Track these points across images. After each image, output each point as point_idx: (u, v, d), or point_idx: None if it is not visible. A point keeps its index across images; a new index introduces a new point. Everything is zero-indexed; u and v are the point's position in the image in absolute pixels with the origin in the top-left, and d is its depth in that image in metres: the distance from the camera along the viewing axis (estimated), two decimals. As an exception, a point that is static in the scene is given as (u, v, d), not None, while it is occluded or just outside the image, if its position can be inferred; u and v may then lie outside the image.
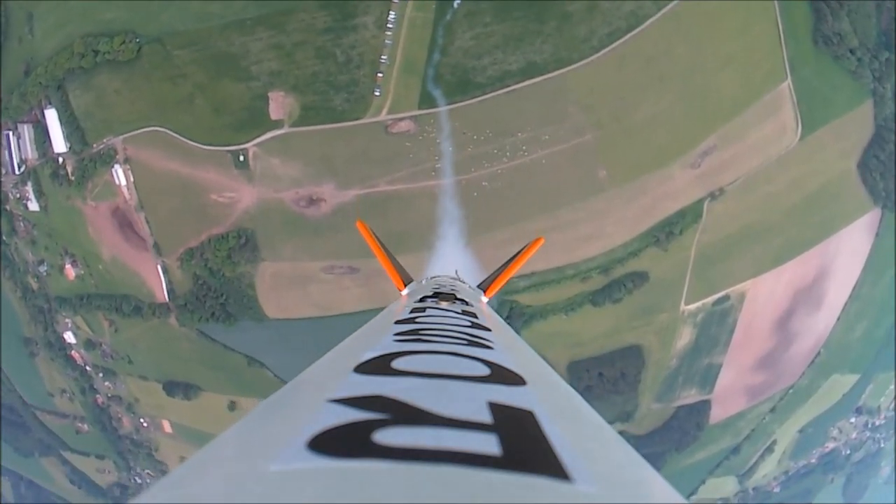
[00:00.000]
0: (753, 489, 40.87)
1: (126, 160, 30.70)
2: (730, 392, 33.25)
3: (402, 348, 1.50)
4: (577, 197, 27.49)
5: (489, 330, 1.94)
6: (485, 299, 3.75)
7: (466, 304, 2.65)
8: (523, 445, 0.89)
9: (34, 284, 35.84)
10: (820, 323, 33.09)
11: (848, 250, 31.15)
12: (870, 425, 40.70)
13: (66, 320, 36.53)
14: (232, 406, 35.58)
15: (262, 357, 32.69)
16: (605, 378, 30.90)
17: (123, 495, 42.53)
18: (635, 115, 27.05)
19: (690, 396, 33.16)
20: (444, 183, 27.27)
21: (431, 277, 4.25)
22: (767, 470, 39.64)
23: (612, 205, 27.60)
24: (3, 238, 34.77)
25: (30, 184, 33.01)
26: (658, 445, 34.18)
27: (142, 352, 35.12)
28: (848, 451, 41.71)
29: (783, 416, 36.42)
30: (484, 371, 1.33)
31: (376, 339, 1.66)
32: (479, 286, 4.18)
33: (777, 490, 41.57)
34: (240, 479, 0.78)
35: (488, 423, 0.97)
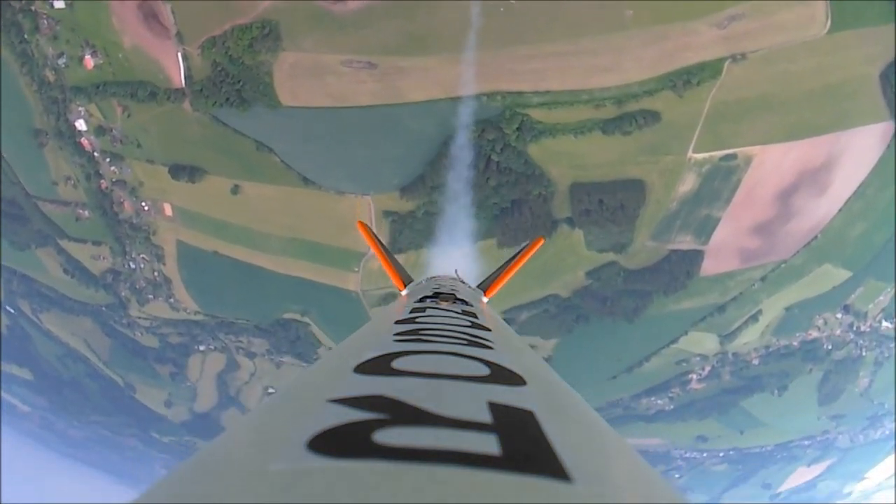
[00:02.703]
0: (733, 354, 48.96)
1: (158, -45, 35.68)
2: (724, 248, 40.26)
3: (403, 348, 1.72)
4: (600, 30, 32.79)
5: (489, 330, 2.25)
6: (485, 299, 4.32)
7: (466, 304, 3.06)
8: (523, 445, 1.01)
9: (51, 77, 41.44)
10: (821, 208, 39.42)
11: (858, 150, 36.65)
12: (854, 328, 47.46)
13: (80, 108, 42.23)
14: (235, 189, 41.69)
15: (271, 143, 39.29)
16: (604, 206, 37.52)
17: (115, 281, 50.58)
18: (669, -34, 31.06)
19: (685, 242, 40.22)
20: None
21: (431, 277, 4.81)
22: (749, 339, 47.46)
23: (633, 43, 32.99)
24: (25, 36, 40.09)
25: (56, -18, 38.08)
26: (648, 284, 42.11)
27: (152, 136, 41.42)
28: (830, 347, 48.73)
29: (772, 288, 43.57)
30: (484, 371, 1.54)
31: (376, 339, 1.95)
32: (479, 286, 4.79)
33: (756, 363, 49.77)
34: (240, 478, 0.90)
35: (488, 424, 1.10)
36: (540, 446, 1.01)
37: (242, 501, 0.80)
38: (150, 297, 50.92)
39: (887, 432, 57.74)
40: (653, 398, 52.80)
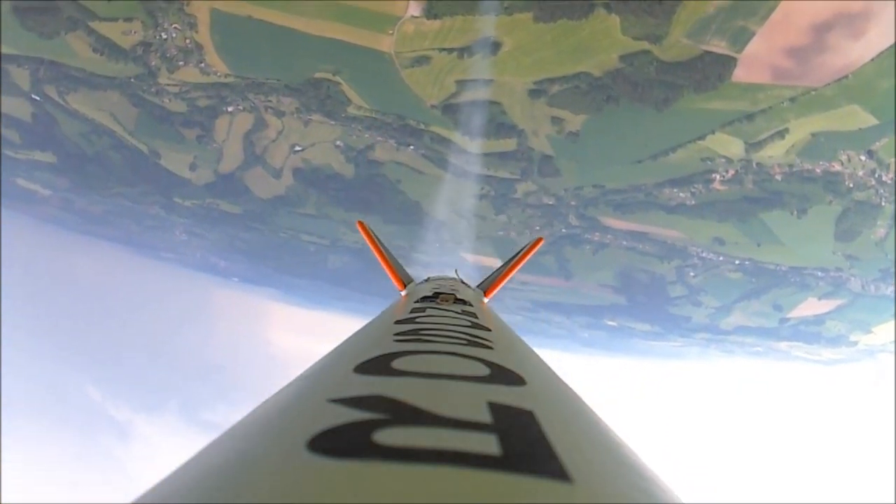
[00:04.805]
0: (757, 164, 58.15)
1: None
2: (757, 61, 50.07)
3: (402, 348, 1.93)
4: None
5: (489, 330, 2.50)
6: (485, 300, 4.85)
7: (466, 304, 3.38)
8: (523, 446, 1.13)
9: None
10: (854, 52, 47.61)
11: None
12: (877, 175, 55.89)
13: None
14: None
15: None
16: (641, -6, 46.65)
17: (145, 53, 57.88)
18: None
19: (720, 47, 49.13)
20: None
21: (431, 278, 5.36)
22: (774, 153, 56.99)
23: None
24: None
25: None
26: (679, 78, 51.40)
27: None
28: (851, 185, 57.24)
29: (801, 111, 52.68)
30: (484, 371, 1.71)
31: (376, 339, 2.16)
32: (479, 286, 5.34)
33: (779, 178, 59.14)
34: (239, 479, 1.01)
35: (488, 424, 1.23)
36: (540, 446, 1.14)
37: (242, 501, 0.91)
38: (181, 63, 58.10)
39: (896, 294, 68.69)
40: (675, 189, 61.73)
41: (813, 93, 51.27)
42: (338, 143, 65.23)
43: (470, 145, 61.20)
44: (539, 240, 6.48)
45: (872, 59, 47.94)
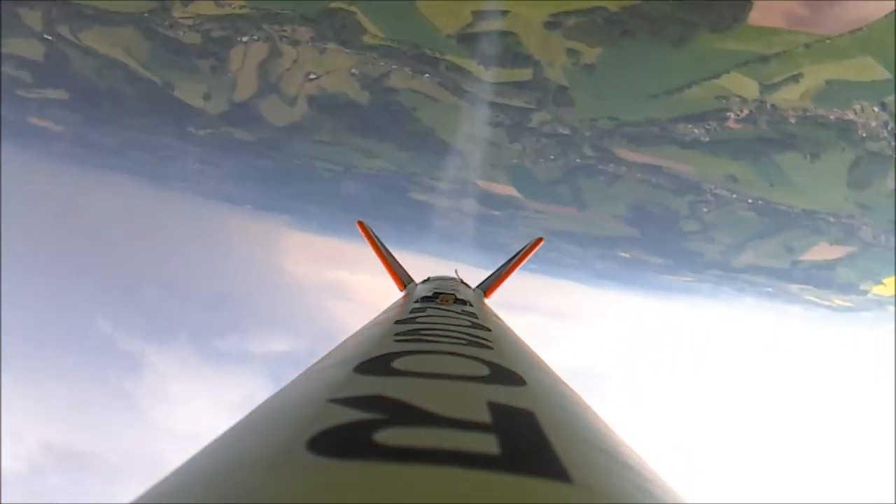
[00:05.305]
0: (772, 106, 60.27)
1: None
2: (771, 6, 52.25)
3: (403, 348, 1.99)
4: None
5: (489, 330, 2.59)
6: (485, 300, 5.00)
7: (466, 304, 3.49)
8: (523, 446, 1.18)
9: None
10: (868, 7, 49.77)
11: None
12: (889, 128, 57.69)
13: None
14: None
15: None
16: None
17: None
18: None
19: None
20: None
21: (431, 278, 5.41)
22: (789, 96, 59.12)
23: None
24: None
25: None
26: (695, 16, 53.61)
27: None
28: (864, 135, 59.02)
29: (815, 57, 54.94)
30: (484, 371, 1.77)
31: (376, 339, 2.23)
32: (479, 286, 5.47)
33: (793, 121, 61.42)
34: (239, 479, 1.05)
35: (488, 424, 1.27)
36: (540, 446, 1.18)
37: (242, 502, 0.94)
38: (195, -4, 59.97)
39: (909, 246, 71.46)
40: (689, 125, 64.03)
41: (827, 41, 53.51)
42: (353, 71, 66.81)
43: (485, 74, 63.39)
44: (539, 240, 6.52)
45: (886, 16, 49.85)
